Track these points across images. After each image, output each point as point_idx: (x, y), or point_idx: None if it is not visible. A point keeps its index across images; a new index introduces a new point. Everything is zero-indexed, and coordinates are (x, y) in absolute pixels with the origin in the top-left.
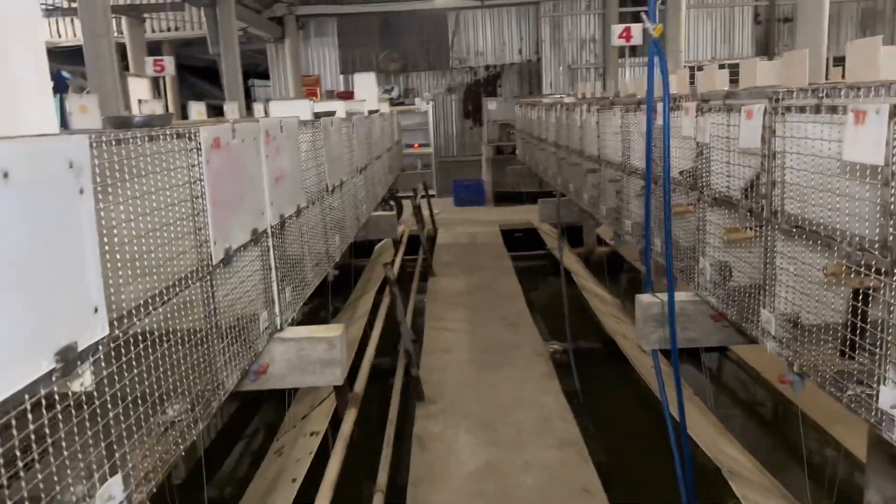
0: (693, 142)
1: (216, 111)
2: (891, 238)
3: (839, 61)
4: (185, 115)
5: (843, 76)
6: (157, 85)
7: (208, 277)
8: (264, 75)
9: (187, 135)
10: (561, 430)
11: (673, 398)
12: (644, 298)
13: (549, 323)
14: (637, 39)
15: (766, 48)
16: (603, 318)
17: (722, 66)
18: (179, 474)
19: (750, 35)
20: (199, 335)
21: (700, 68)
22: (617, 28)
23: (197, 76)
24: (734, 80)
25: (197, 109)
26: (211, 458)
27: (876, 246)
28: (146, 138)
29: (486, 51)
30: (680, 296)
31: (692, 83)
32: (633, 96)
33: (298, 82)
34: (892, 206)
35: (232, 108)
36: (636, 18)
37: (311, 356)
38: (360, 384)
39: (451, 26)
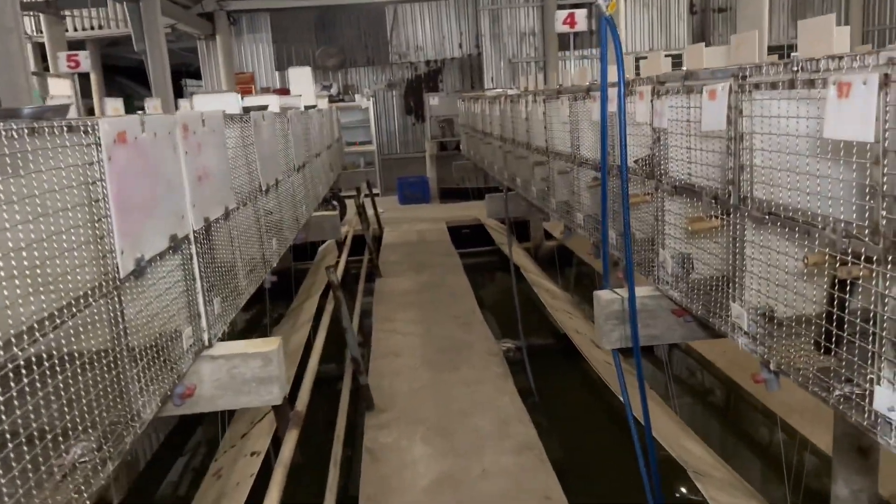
0: (648, 128)
1: (140, 111)
2: (883, 222)
3: (773, 50)
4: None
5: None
6: (84, 85)
7: (115, 293)
8: (197, 74)
9: (83, 128)
10: (519, 433)
11: (636, 399)
12: (603, 295)
13: (500, 320)
14: (581, 25)
15: (702, 37)
16: (555, 314)
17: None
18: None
19: (686, 25)
20: (107, 359)
21: (643, 58)
22: (560, 14)
23: (126, 77)
24: (677, 69)
25: (113, 106)
26: (147, 480)
27: (865, 231)
28: (26, 131)
29: (426, 45)
30: (640, 291)
31: (637, 73)
32: (580, 86)
33: (232, 80)
34: (884, 187)
35: (154, 104)
36: (575, 8)
37: (244, 374)
38: (301, 402)
39: (390, 20)
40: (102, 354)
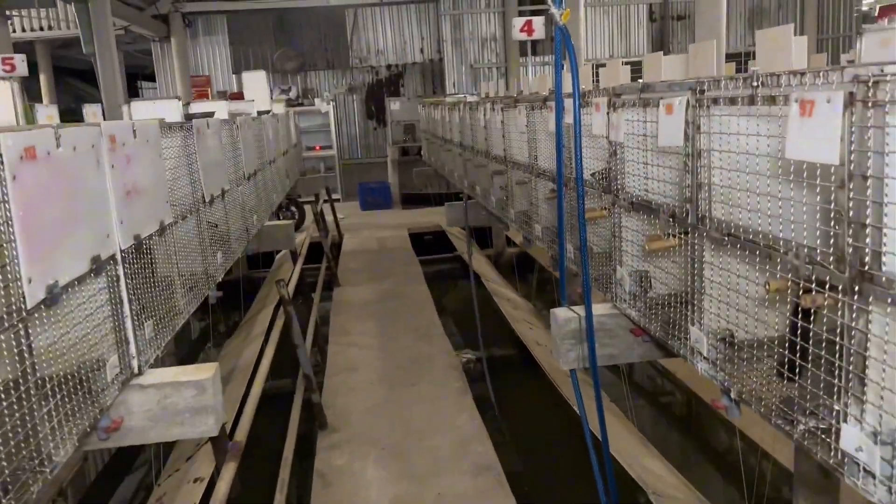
0: (605, 140)
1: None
2: (849, 250)
3: (731, 57)
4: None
5: (736, 71)
6: (33, 88)
7: (20, 325)
8: (154, 77)
9: None
10: (477, 453)
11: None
12: (560, 314)
13: (461, 330)
14: (539, 33)
15: (661, 45)
16: (515, 325)
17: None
18: None
19: (646, 32)
20: (11, 398)
21: (602, 65)
22: (518, 21)
23: (80, 79)
24: (636, 77)
25: (47, 114)
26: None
27: (830, 259)
28: None
29: (388, 49)
30: (598, 309)
31: (595, 81)
32: (538, 94)
33: (187, 83)
34: (850, 213)
35: (92, 112)
36: (536, 14)
37: (176, 404)
38: (242, 431)
39: (350, 24)
40: (4, 394)
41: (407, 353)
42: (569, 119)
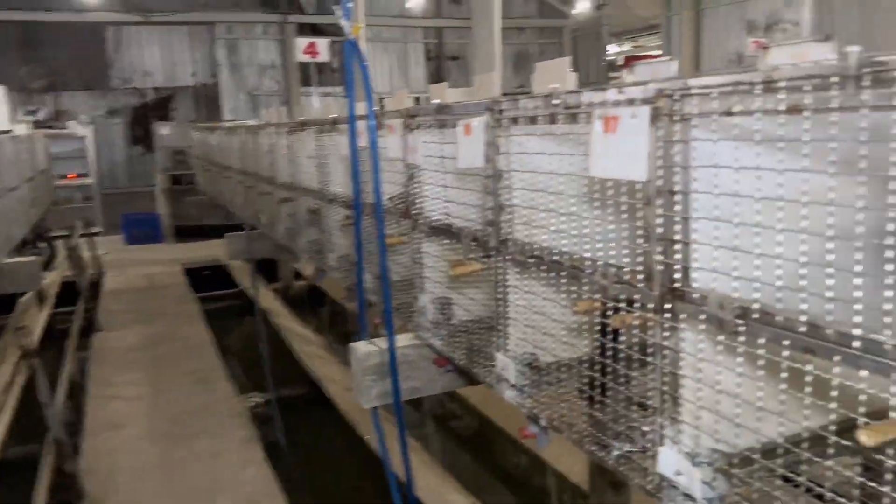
0: (402, 164)
1: None
2: (658, 267)
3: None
4: None
5: None
6: None
7: None
8: None
9: None
10: None
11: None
12: (360, 348)
13: (247, 372)
14: (324, 55)
15: (438, 82)
16: (307, 361)
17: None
18: None
19: (424, 70)
20: None
21: (387, 97)
22: (301, 42)
23: None
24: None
25: None
26: None
27: (639, 277)
28: None
29: (155, 71)
30: (400, 340)
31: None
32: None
33: None
34: (660, 229)
35: None
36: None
37: None
38: None
39: (111, 42)
40: None
41: (183, 403)
42: (364, 141)
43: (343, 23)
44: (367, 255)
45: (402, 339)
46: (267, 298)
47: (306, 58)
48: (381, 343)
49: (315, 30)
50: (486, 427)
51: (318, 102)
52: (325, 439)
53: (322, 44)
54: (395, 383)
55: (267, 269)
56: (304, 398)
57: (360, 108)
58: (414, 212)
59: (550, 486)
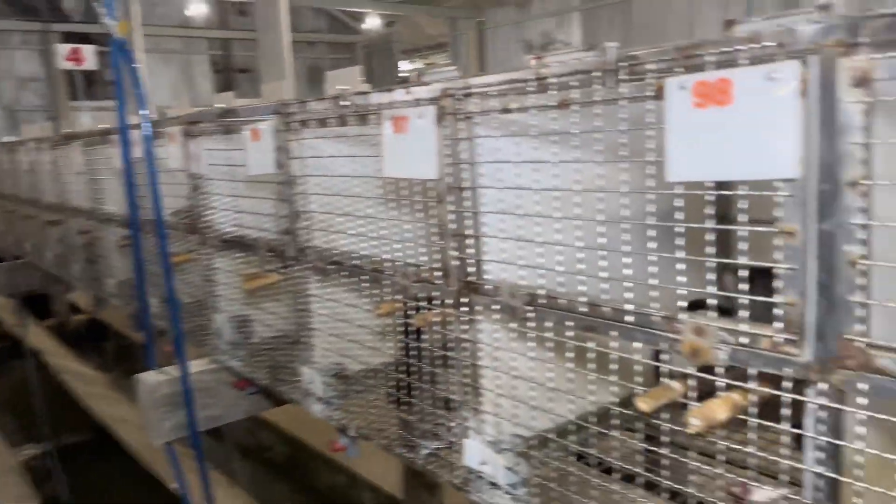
0: (185, 174)
1: None
2: (455, 263)
3: None
4: None
5: None
6: None
7: None
8: None
9: None
10: None
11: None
12: (148, 379)
13: (18, 422)
14: (91, 63)
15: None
16: (91, 403)
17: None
18: None
19: (211, 83)
20: None
21: (167, 108)
22: (63, 48)
23: None
24: None
25: None
26: None
27: (437, 274)
28: None
29: None
30: (194, 365)
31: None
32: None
33: None
34: (453, 225)
35: None
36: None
37: None
38: None
39: None
40: None
41: None
42: (139, 152)
43: (107, 21)
44: (151, 277)
45: (197, 365)
46: (39, 337)
47: (70, 65)
48: (173, 371)
49: (85, 40)
50: (299, 451)
51: (90, 118)
52: (118, 488)
53: (88, 50)
54: (190, 413)
55: (37, 303)
56: (89, 445)
57: (136, 117)
58: (202, 226)
59: (365, 501)
